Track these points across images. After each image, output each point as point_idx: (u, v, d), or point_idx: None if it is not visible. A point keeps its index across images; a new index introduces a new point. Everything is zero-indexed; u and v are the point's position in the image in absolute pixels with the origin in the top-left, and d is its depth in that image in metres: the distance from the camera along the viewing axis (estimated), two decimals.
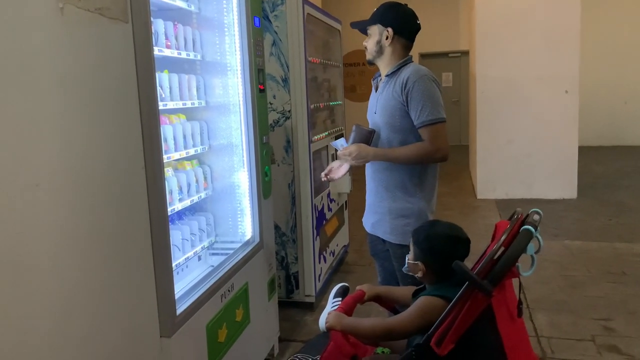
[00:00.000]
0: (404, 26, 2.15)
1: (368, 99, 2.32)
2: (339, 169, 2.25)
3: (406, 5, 2.19)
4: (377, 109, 2.17)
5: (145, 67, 1.55)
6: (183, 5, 2.13)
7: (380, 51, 2.17)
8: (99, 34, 1.38)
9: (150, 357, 1.62)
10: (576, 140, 6.05)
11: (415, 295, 1.68)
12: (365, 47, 2.22)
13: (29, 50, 1.15)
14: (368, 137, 2.14)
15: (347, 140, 2.22)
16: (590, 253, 4.25)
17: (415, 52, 11.49)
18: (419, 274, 1.62)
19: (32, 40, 1.16)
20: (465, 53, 9.90)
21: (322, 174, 2.29)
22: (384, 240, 2.22)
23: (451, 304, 1.41)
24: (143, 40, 1.54)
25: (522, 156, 6.18)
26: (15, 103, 1.12)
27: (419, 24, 2.18)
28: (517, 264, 1.41)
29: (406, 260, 1.67)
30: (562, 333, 2.93)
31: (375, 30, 2.16)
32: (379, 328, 1.58)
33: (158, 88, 1.67)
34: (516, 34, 6.03)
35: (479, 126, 6.37)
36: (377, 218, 2.23)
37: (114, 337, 1.45)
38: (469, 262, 1.48)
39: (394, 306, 1.84)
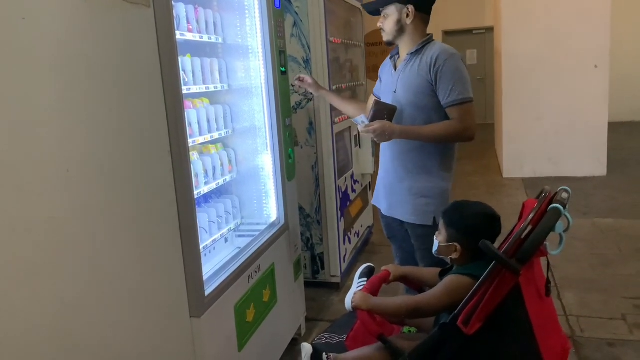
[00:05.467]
0: (424, 1, 2.09)
1: None
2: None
3: None
4: (398, 87, 2.12)
5: (168, 51, 1.56)
6: None
7: (401, 30, 2.11)
8: (122, 20, 1.39)
9: (181, 337, 1.66)
10: (606, 116, 5.87)
11: (442, 275, 1.67)
12: (382, 29, 2.15)
13: (54, 37, 1.17)
14: (390, 114, 2.06)
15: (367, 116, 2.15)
16: (621, 231, 4.15)
17: (438, 29, 11.24)
18: (454, 256, 1.60)
19: (57, 27, 1.18)
20: (490, 29, 9.66)
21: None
22: (401, 222, 2.20)
23: (478, 283, 1.40)
24: (165, 25, 1.55)
25: (550, 133, 6.03)
26: (42, 91, 1.14)
27: None
28: (545, 242, 1.39)
29: (436, 244, 1.64)
30: (592, 312, 2.89)
31: (392, 9, 2.09)
32: (405, 305, 1.59)
33: (181, 72, 1.68)
34: (543, 8, 5.83)
35: (505, 104, 6.23)
36: (395, 199, 2.19)
37: (145, 317, 1.48)
38: (496, 242, 1.47)
39: (420, 286, 1.84)
